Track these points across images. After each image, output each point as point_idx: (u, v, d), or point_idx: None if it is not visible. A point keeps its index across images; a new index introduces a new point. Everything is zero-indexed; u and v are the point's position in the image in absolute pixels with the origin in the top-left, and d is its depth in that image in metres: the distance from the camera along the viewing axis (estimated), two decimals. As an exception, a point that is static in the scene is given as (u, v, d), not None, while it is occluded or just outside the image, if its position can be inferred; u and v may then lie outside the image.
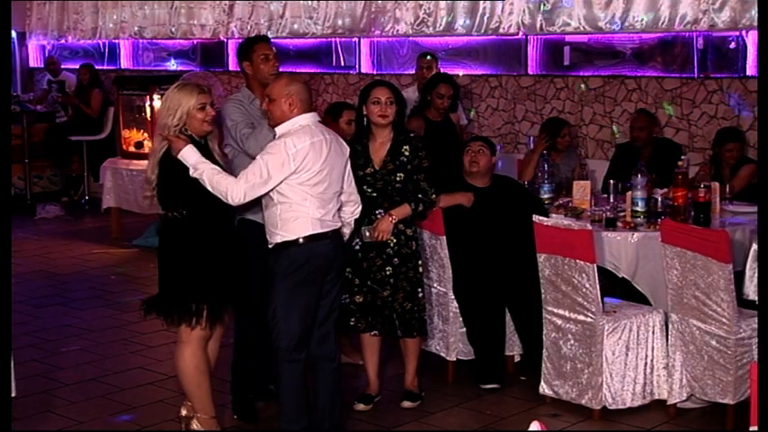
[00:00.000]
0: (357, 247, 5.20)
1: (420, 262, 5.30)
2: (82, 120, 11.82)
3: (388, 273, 5.19)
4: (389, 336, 5.36)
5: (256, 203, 4.67)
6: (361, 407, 5.34)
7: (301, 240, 4.48)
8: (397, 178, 5.14)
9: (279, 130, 4.55)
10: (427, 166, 5.18)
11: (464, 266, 5.70)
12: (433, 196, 5.23)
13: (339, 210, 4.70)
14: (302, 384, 4.63)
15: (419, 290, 5.25)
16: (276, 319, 4.54)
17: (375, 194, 5.17)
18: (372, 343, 5.38)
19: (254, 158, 4.98)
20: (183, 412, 4.87)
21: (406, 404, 5.38)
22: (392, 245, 5.18)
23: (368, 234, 5.13)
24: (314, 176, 4.46)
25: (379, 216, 5.15)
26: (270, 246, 4.59)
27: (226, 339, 5.01)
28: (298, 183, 4.44)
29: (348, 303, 5.21)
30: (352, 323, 5.24)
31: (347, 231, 4.85)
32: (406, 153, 5.14)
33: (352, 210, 4.85)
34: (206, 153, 4.56)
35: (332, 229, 4.60)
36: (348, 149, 4.75)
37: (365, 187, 5.15)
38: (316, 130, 4.53)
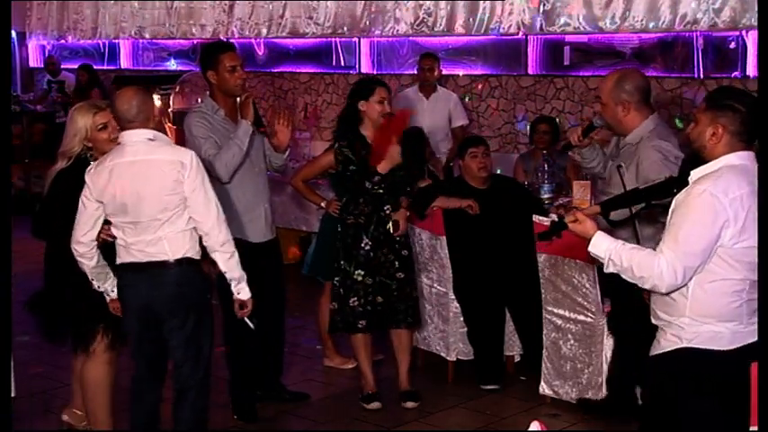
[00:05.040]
0: (368, 248, 5.24)
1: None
2: (82, 120, 11.81)
3: (396, 266, 5.30)
4: (390, 325, 5.38)
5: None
6: (375, 405, 5.35)
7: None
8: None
9: None
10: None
11: (464, 266, 5.70)
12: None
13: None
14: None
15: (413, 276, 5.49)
16: None
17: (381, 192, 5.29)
18: (367, 342, 5.42)
19: (219, 180, 4.91)
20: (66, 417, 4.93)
21: (409, 404, 5.38)
22: (401, 237, 5.37)
23: (392, 228, 5.28)
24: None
25: (387, 212, 5.28)
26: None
27: (216, 343, 4.98)
28: None
29: (356, 306, 5.26)
30: (360, 326, 5.31)
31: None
32: None
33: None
34: None
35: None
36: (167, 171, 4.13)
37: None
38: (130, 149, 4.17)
